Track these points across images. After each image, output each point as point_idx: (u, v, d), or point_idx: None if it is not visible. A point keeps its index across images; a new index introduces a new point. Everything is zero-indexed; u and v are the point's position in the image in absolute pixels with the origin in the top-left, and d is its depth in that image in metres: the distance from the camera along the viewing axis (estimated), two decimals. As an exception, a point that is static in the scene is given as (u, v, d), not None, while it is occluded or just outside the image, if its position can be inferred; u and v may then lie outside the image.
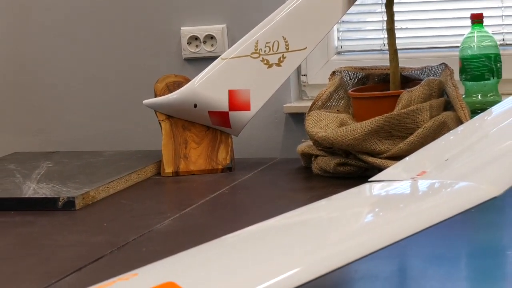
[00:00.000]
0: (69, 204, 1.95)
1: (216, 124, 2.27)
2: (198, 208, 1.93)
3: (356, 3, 2.24)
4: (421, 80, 2.14)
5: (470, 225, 1.65)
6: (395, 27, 2.11)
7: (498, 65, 2.24)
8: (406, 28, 2.64)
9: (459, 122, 2.03)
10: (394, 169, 1.53)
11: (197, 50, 2.73)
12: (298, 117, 2.64)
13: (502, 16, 2.59)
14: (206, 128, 2.28)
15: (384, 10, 2.12)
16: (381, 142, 2.03)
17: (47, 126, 2.89)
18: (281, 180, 2.16)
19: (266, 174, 2.22)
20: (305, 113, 2.20)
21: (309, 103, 2.24)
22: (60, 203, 1.96)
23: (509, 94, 1.82)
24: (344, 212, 1.38)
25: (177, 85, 2.28)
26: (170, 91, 2.27)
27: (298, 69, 2.65)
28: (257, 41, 2.23)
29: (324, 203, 1.38)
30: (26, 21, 2.87)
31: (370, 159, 2.03)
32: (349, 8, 2.23)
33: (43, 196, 1.99)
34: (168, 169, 2.25)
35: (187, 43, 2.73)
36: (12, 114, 2.91)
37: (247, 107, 2.24)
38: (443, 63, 2.20)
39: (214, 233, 1.27)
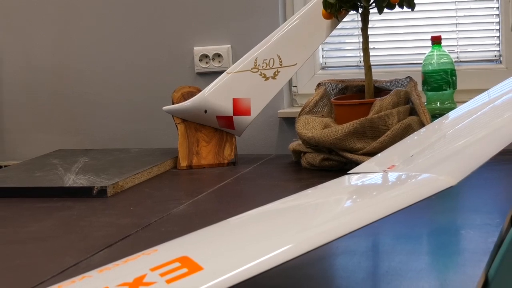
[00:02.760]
0: (102, 192, 1.95)
1: (223, 127, 2.27)
2: (207, 195, 1.92)
3: (337, 27, 2.23)
4: (391, 90, 2.13)
5: (431, 209, 1.64)
6: (369, 47, 2.10)
7: (454, 78, 2.24)
8: (379, 48, 2.64)
9: (422, 125, 2.03)
10: (368, 163, 1.53)
11: (207, 65, 2.73)
12: (289, 121, 2.64)
13: (457, 38, 2.59)
14: (214, 130, 2.28)
15: (360, 33, 2.11)
16: (358, 141, 2.03)
17: (84, 128, 2.89)
18: (276, 172, 2.16)
19: (263, 168, 2.22)
20: (296, 118, 2.19)
21: (299, 109, 2.24)
22: (94, 191, 1.95)
23: (462, 102, 1.81)
24: (327, 199, 1.37)
25: (191, 94, 2.27)
26: (185, 99, 2.27)
27: (290, 81, 2.64)
28: (256, 58, 2.23)
29: (311, 191, 1.38)
30: (68, 39, 2.87)
31: (349, 155, 2.03)
32: (331, 31, 2.23)
33: (81, 185, 1.99)
34: (183, 163, 2.25)
35: (199, 60, 2.73)
36: (56, 118, 2.91)
37: (248, 113, 2.24)
38: (408, 77, 2.19)
39: (221, 216, 1.27)
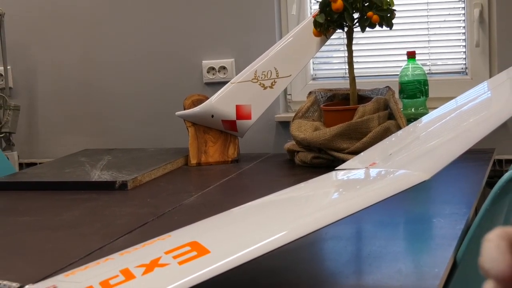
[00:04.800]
0: (123, 185, 1.95)
1: (227, 129, 2.27)
2: (214, 189, 1.92)
3: (326, 43, 2.23)
4: (372, 98, 2.13)
5: (407, 201, 1.64)
6: (353, 61, 2.10)
7: (426, 87, 2.24)
8: (362, 61, 2.64)
9: (399, 128, 2.03)
10: (353, 161, 1.53)
11: (214, 77, 2.72)
12: (285, 124, 2.64)
13: (429, 53, 2.59)
14: (220, 132, 2.28)
15: (346, 48, 2.11)
16: (344, 142, 2.02)
17: (108, 130, 2.88)
18: (273, 168, 2.16)
19: (262, 165, 2.21)
20: (290, 121, 2.19)
21: (293, 114, 2.24)
22: (117, 185, 1.95)
23: (434, 108, 1.81)
24: (317, 191, 1.37)
25: (200, 101, 2.27)
26: (195, 106, 2.26)
27: (285, 90, 2.64)
28: (256, 70, 2.23)
29: (303, 185, 1.38)
30: (93, 53, 2.87)
31: (336, 154, 2.02)
32: (321, 47, 2.23)
33: (105, 180, 1.99)
34: (193, 161, 2.25)
35: (207, 72, 2.72)
36: (83, 121, 2.91)
37: (249, 117, 2.24)
38: (387, 86, 2.19)
39: (225, 206, 1.27)
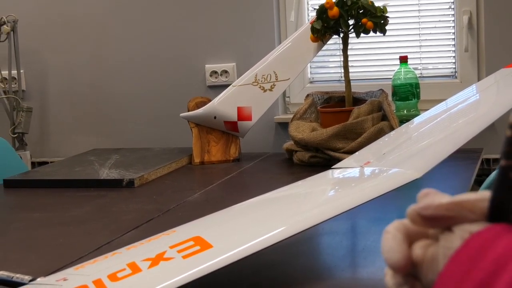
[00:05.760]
0: (130, 183, 1.95)
1: (229, 130, 2.26)
2: (216, 186, 1.92)
3: (322, 48, 2.23)
4: (366, 100, 2.13)
5: (400, 198, 1.64)
6: (348, 65, 2.10)
7: (418, 90, 2.24)
8: (357, 66, 2.64)
9: (392, 128, 2.02)
10: (348, 160, 1.52)
11: (216, 80, 2.72)
12: (283, 125, 2.64)
13: (420, 57, 2.60)
14: (222, 132, 2.28)
15: (341, 53, 2.11)
16: (339, 141, 2.02)
17: (115, 131, 2.89)
18: (272, 167, 2.16)
19: (262, 163, 2.21)
20: (289, 122, 2.19)
21: (291, 116, 2.23)
22: (124, 182, 1.95)
23: (425, 110, 1.81)
24: (314, 189, 1.37)
25: (203, 103, 2.27)
26: (198, 107, 2.26)
27: (284, 93, 2.64)
28: (256, 74, 2.22)
29: (301, 183, 1.37)
30: (102, 58, 2.87)
31: (332, 153, 2.02)
32: (318, 52, 2.22)
33: (113, 178, 1.99)
34: (196, 159, 2.25)
35: (210, 75, 2.72)
36: (92, 122, 2.91)
37: (249, 118, 2.23)
38: (381, 89, 2.19)
39: (227, 203, 1.26)
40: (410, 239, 0.51)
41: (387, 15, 2.06)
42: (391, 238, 0.51)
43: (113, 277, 0.95)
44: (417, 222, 0.51)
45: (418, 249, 0.50)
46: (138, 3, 2.80)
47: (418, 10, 2.59)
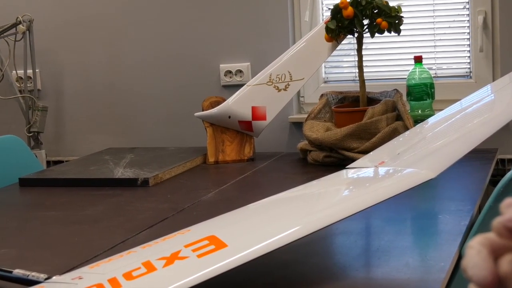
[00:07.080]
0: (145, 182, 1.95)
1: (243, 129, 2.26)
2: (231, 186, 1.92)
3: (337, 48, 2.23)
4: (381, 100, 2.12)
5: (414, 198, 1.64)
6: (363, 65, 2.09)
7: (432, 90, 2.23)
8: (371, 66, 2.63)
9: (406, 128, 2.02)
10: (362, 160, 1.52)
11: (231, 79, 2.72)
12: (298, 125, 2.63)
13: (435, 57, 2.58)
14: (236, 132, 2.28)
15: (356, 53, 2.11)
16: (354, 141, 2.02)
17: (130, 130, 2.89)
18: (286, 167, 2.15)
19: (276, 163, 2.21)
20: (303, 122, 2.19)
21: (305, 115, 2.23)
22: (139, 181, 1.95)
23: (439, 110, 1.80)
24: (328, 189, 1.37)
25: (217, 103, 2.27)
26: (213, 107, 2.26)
27: (298, 93, 2.64)
28: (271, 73, 2.22)
29: (315, 182, 1.37)
30: (118, 59, 2.88)
31: (346, 153, 2.02)
32: (332, 52, 2.22)
33: (128, 177, 1.99)
34: (211, 159, 2.25)
35: (224, 75, 2.73)
36: (107, 121, 2.92)
37: (264, 118, 2.23)
38: (395, 89, 2.18)
39: (241, 203, 1.27)
40: (495, 253, 0.48)
41: (401, 15, 2.06)
42: (475, 253, 0.48)
43: (128, 276, 0.96)
44: (504, 235, 0.48)
45: (506, 264, 0.47)
46: (153, 4, 2.81)
47: (433, 10, 2.58)
